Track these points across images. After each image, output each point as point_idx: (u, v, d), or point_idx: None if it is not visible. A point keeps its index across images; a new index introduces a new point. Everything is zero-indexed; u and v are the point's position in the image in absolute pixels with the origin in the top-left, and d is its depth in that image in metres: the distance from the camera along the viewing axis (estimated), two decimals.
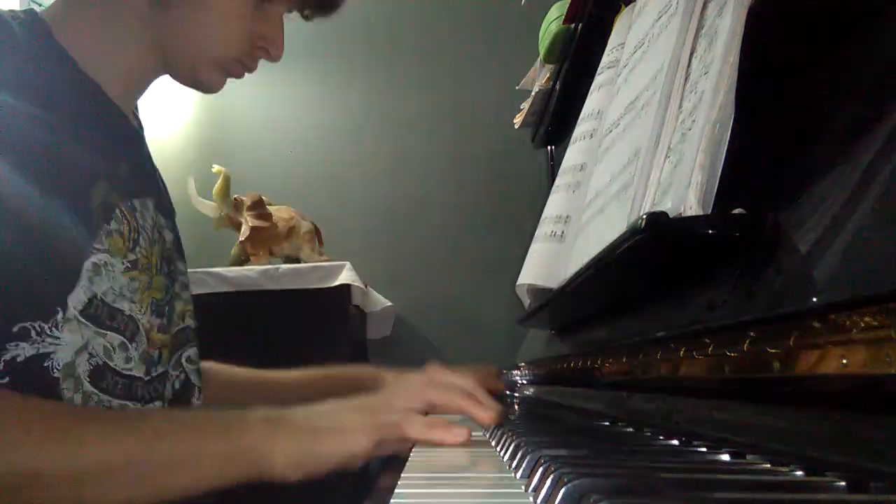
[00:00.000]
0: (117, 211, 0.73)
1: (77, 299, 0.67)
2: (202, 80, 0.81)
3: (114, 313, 0.71)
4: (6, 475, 0.53)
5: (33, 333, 0.63)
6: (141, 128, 0.88)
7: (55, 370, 0.65)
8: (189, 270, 2.05)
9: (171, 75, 0.83)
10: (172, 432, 0.59)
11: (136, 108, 0.88)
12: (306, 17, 0.89)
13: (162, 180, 0.93)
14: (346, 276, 1.90)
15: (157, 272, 0.81)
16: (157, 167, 0.93)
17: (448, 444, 0.61)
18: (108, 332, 0.70)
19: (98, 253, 0.70)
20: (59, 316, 0.65)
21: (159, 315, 0.80)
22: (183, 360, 0.87)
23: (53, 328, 0.65)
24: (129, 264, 0.73)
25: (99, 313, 0.69)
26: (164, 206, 0.87)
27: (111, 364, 0.70)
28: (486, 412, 0.66)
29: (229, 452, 0.59)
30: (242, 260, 2.02)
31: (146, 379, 0.75)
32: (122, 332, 0.71)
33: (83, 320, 0.67)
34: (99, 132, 0.74)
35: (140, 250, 0.76)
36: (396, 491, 0.41)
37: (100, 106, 0.76)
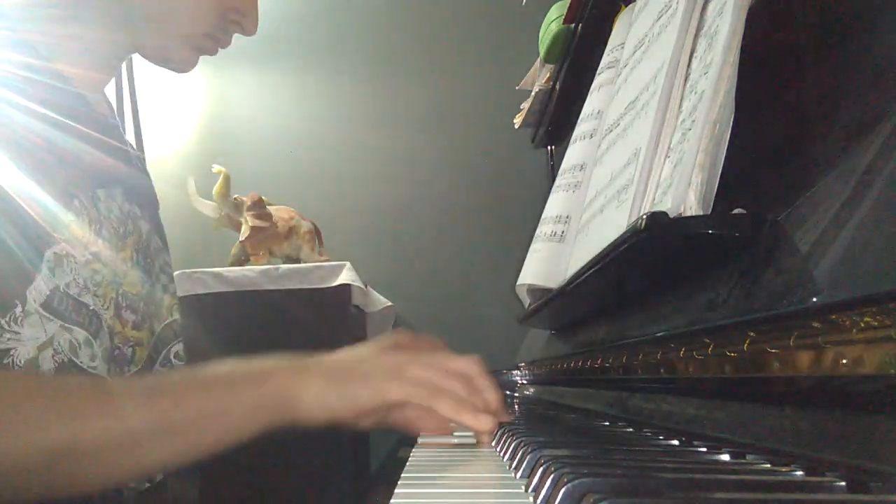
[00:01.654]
0: (76, 202, 0.70)
1: (38, 292, 0.64)
2: (173, 58, 0.78)
3: (79, 307, 0.68)
4: (39, 453, 0.53)
5: None
6: (112, 114, 0.85)
7: (16, 367, 0.62)
8: (189, 270, 2.05)
9: (140, 55, 0.79)
10: (200, 388, 0.59)
11: (104, 93, 0.84)
12: None
13: (144, 168, 0.90)
14: (346, 276, 1.90)
15: (134, 265, 0.78)
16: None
17: (474, 429, 0.61)
18: (74, 328, 0.67)
19: (60, 243, 0.67)
20: (19, 310, 0.63)
21: (133, 311, 0.77)
22: (171, 356, 0.85)
23: (12, 323, 0.62)
24: (90, 256, 0.70)
25: (63, 307, 0.66)
26: (139, 196, 0.84)
27: (77, 361, 0.67)
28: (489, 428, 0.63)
29: (258, 400, 0.59)
30: (242, 260, 2.02)
31: None
32: (87, 327, 0.69)
33: (46, 314, 0.64)
34: (56, 119, 0.71)
35: (103, 242, 0.73)
36: (396, 491, 0.41)
37: (58, 91, 0.72)
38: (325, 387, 0.60)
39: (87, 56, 0.76)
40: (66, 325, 0.66)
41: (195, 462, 0.60)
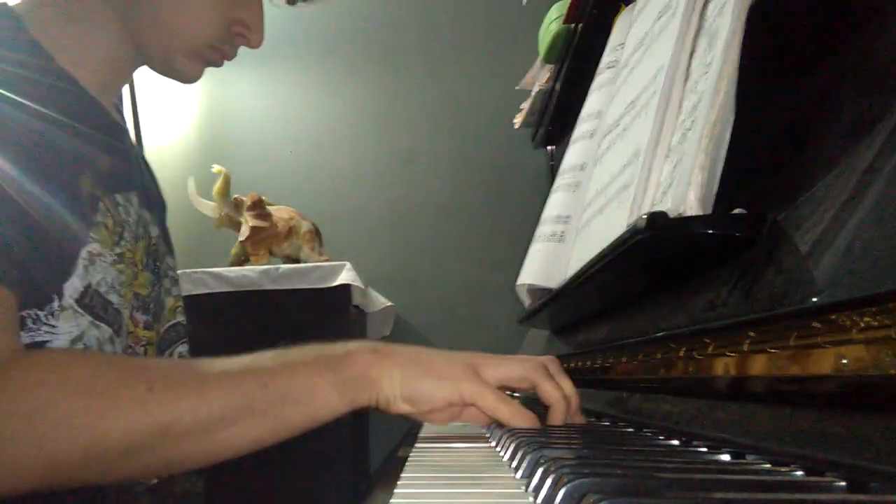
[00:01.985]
0: (101, 204, 0.72)
1: (73, 287, 0.66)
2: (178, 69, 0.78)
3: (106, 305, 0.70)
4: (137, 433, 0.54)
5: (29, 322, 0.62)
6: (124, 121, 0.87)
7: None
8: (189, 270, 2.06)
9: (148, 66, 0.80)
10: (285, 370, 0.60)
11: (118, 102, 0.86)
12: (291, 2, 0.85)
13: (151, 173, 0.91)
14: (346, 276, 1.90)
15: (143, 268, 0.80)
16: (150, 162, 0.92)
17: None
18: (102, 325, 0.69)
19: (93, 242, 0.69)
20: (55, 304, 0.64)
21: (145, 311, 0.79)
22: (175, 357, 0.86)
23: (49, 316, 0.64)
24: (116, 257, 0.72)
25: (94, 303, 0.68)
26: (150, 201, 0.85)
27: None
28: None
29: (340, 382, 0.60)
30: (242, 260, 2.02)
31: None
32: (112, 325, 0.70)
33: (79, 309, 0.66)
34: (78, 126, 0.72)
35: (125, 244, 0.75)
36: (396, 491, 0.41)
37: (77, 99, 0.74)
38: (403, 376, 0.61)
39: (99, 62, 0.77)
40: (95, 321, 0.68)
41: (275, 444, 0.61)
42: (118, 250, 0.73)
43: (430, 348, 0.67)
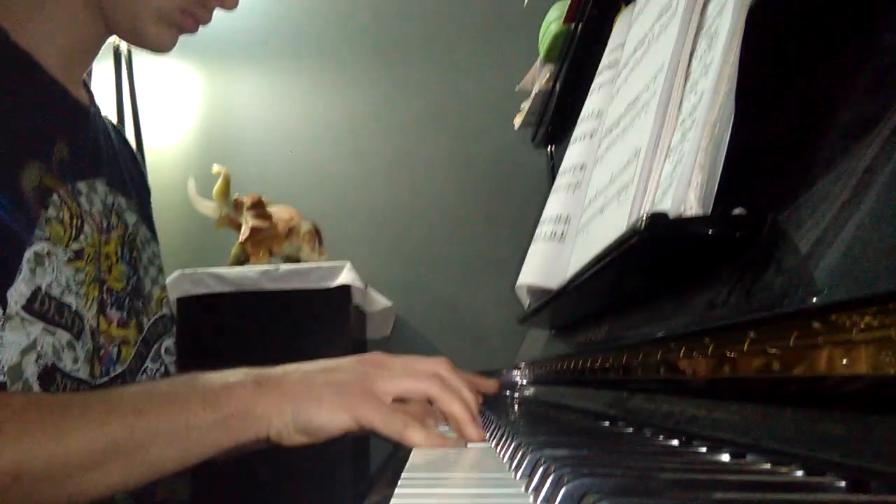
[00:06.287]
0: (55, 196, 0.67)
1: (19, 294, 0.61)
2: (147, 36, 0.72)
3: (61, 308, 0.65)
4: None
5: None
6: (93, 102, 0.81)
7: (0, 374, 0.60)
8: (189, 270, 2.06)
9: (117, 35, 0.75)
10: (154, 408, 0.56)
11: (86, 81, 0.81)
12: None
13: (133, 155, 0.86)
14: (346, 276, 1.90)
15: (118, 260, 0.75)
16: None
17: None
18: (58, 330, 0.64)
19: (39, 241, 0.64)
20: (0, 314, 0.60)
21: (119, 308, 0.74)
22: (162, 352, 0.83)
23: None
24: (72, 254, 0.67)
25: (45, 308, 0.63)
26: (124, 185, 0.80)
27: (59, 365, 0.65)
28: (476, 432, 0.61)
29: (218, 421, 0.56)
30: (242, 260, 2.02)
31: (93, 383, 0.70)
32: (70, 329, 0.66)
33: (28, 316, 0.62)
34: (29, 110, 0.67)
35: (85, 238, 0.70)
36: (396, 491, 0.41)
37: (31, 81, 0.69)
38: (295, 409, 0.58)
39: (62, 40, 0.72)
40: (49, 327, 0.64)
41: (166, 476, 0.57)
42: (76, 246, 0.68)
43: (316, 365, 0.62)
